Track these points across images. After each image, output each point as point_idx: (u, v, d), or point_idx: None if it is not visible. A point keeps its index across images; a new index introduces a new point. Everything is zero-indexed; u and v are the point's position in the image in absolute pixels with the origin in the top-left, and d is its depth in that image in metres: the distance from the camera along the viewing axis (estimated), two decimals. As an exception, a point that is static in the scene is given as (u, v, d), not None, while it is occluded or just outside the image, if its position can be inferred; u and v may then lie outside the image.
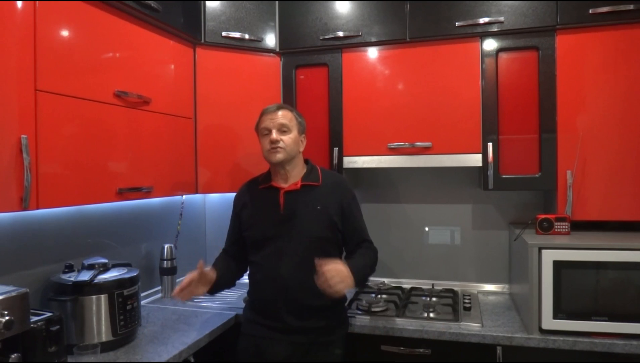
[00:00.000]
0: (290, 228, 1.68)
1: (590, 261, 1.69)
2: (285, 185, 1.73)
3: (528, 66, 1.99)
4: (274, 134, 1.68)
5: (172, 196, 2.19)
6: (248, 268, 1.82)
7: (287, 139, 1.69)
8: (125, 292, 1.66)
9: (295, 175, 1.75)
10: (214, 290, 1.71)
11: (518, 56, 2.01)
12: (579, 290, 1.70)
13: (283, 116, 1.71)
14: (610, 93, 1.89)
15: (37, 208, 1.37)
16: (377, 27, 2.13)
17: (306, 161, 1.82)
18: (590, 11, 1.87)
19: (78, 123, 1.52)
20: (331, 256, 1.72)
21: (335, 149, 2.19)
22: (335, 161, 2.19)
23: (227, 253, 1.88)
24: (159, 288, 2.28)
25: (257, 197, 1.78)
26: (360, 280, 1.66)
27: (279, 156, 1.68)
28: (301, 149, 1.77)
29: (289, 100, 2.28)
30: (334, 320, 1.74)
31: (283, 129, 1.69)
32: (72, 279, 1.60)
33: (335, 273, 1.48)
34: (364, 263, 1.70)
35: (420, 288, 2.35)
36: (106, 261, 1.73)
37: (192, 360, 1.66)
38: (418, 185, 2.47)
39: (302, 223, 1.68)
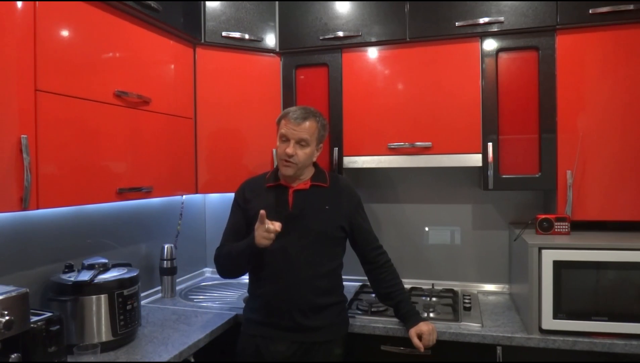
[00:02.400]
0: (298, 226, 1.68)
1: (590, 261, 1.69)
2: (294, 185, 1.73)
3: (528, 66, 1.99)
4: (291, 148, 1.65)
5: (172, 196, 2.20)
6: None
7: (302, 154, 1.66)
8: (125, 292, 1.66)
9: (304, 177, 1.75)
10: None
11: (518, 56, 2.01)
12: (579, 290, 1.70)
13: (307, 130, 1.66)
14: (610, 93, 1.89)
15: (37, 208, 1.37)
16: (377, 27, 2.13)
17: (313, 164, 1.80)
18: (590, 11, 1.87)
19: (78, 123, 1.52)
20: (337, 255, 1.76)
21: (335, 149, 2.19)
22: (335, 161, 2.19)
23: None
24: (159, 288, 2.28)
25: (263, 194, 1.75)
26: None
27: (290, 171, 1.68)
28: (314, 159, 1.76)
29: (289, 100, 2.28)
30: (336, 319, 1.74)
31: (302, 144, 1.67)
32: (72, 279, 1.60)
33: (429, 335, 1.69)
34: (407, 295, 1.84)
35: (420, 288, 2.35)
36: (106, 261, 1.72)
37: (192, 360, 1.66)
38: (418, 185, 2.47)
39: (311, 221, 1.69)
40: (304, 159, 1.68)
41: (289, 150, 1.65)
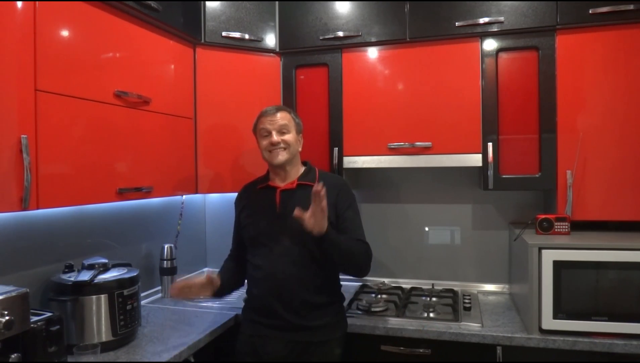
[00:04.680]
0: (285, 226, 1.68)
1: (590, 261, 1.69)
2: (282, 184, 1.75)
3: (528, 66, 1.99)
4: (275, 137, 1.69)
5: (172, 196, 2.19)
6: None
7: (288, 138, 1.71)
8: (125, 292, 1.66)
9: (293, 175, 1.76)
10: (218, 294, 1.76)
11: (518, 56, 2.01)
12: (579, 290, 1.70)
13: (282, 117, 1.72)
14: (611, 93, 1.89)
15: (37, 208, 1.37)
16: (377, 27, 2.13)
17: (304, 163, 1.82)
18: (590, 11, 1.87)
19: (78, 123, 1.52)
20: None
21: (335, 149, 2.19)
22: (335, 161, 2.19)
23: (231, 257, 1.91)
24: (159, 288, 2.28)
25: (254, 197, 1.80)
26: (336, 244, 1.58)
27: (281, 157, 1.70)
28: (299, 149, 1.79)
29: (289, 100, 2.28)
30: (332, 319, 1.73)
31: (283, 131, 1.71)
32: (72, 279, 1.60)
33: (320, 216, 1.48)
34: (348, 240, 1.65)
35: (420, 288, 2.35)
36: (106, 261, 1.72)
37: (192, 360, 1.66)
38: (418, 185, 2.47)
39: (298, 220, 1.68)
40: (291, 142, 1.71)
41: (274, 139, 1.69)
